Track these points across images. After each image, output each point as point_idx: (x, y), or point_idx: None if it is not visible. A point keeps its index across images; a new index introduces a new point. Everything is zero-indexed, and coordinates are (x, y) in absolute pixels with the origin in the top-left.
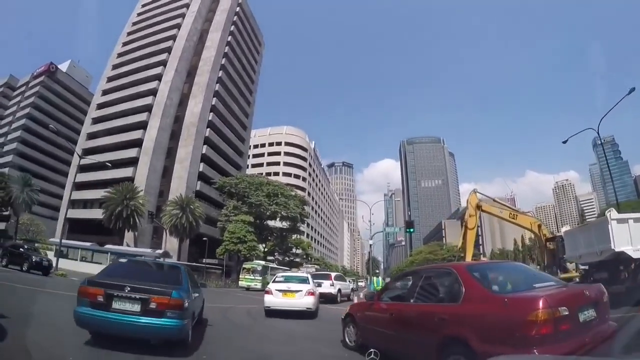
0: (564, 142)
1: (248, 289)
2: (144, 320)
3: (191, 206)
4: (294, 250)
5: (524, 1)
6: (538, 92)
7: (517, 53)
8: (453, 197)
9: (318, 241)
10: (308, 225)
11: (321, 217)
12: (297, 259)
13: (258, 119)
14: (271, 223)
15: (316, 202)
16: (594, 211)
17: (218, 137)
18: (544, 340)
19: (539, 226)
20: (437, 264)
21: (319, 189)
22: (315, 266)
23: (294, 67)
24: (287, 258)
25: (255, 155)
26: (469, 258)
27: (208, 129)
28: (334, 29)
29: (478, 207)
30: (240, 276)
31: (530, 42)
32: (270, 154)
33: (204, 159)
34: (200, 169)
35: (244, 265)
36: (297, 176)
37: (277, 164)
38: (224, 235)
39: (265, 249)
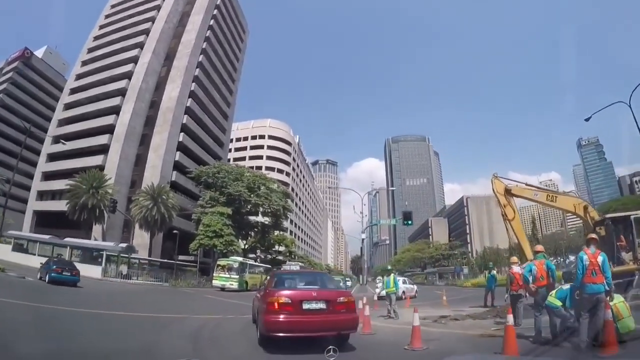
0: (587, 120)
1: (223, 289)
2: None
3: (163, 196)
4: (276, 247)
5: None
6: (520, 94)
7: (500, 55)
8: (438, 196)
9: (302, 239)
10: (291, 222)
11: (305, 215)
12: (280, 257)
13: (241, 113)
14: (252, 218)
15: (300, 199)
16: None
17: (197, 125)
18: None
19: (585, 208)
20: None
21: (303, 185)
22: (299, 264)
23: (278, 62)
24: (269, 256)
25: (237, 149)
26: (527, 251)
27: (186, 116)
28: (319, 25)
29: (508, 192)
30: (214, 274)
31: (514, 43)
32: (252, 148)
33: (181, 147)
34: (177, 158)
35: (218, 262)
36: (280, 171)
37: (260, 157)
38: (198, 229)
39: (246, 246)
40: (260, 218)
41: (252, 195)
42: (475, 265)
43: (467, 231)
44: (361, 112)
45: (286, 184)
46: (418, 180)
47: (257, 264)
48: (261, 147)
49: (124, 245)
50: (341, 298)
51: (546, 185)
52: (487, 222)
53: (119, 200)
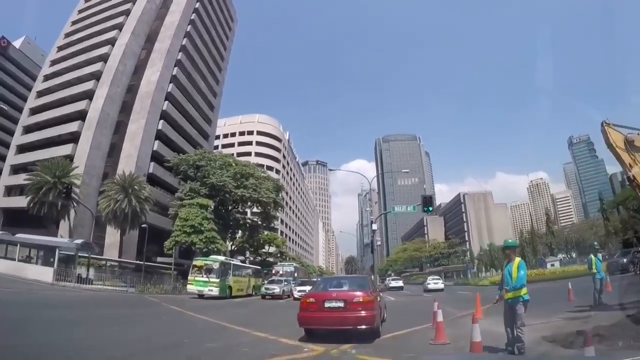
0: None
1: (201, 295)
2: None
3: (135, 187)
4: (267, 248)
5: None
6: (506, 96)
7: (489, 58)
8: None
9: (293, 239)
10: (282, 221)
11: (296, 214)
12: (270, 259)
13: (228, 110)
14: (239, 215)
15: (291, 198)
16: (570, 209)
17: (179, 113)
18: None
19: None
20: None
21: (294, 184)
22: (293, 264)
23: (266, 62)
24: (259, 257)
25: (225, 145)
26: None
27: (166, 102)
28: (309, 25)
29: (629, 144)
30: (190, 277)
31: (502, 43)
32: (241, 144)
33: (160, 137)
34: (155, 148)
35: (194, 262)
36: (270, 168)
37: (249, 154)
38: (175, 224)
39: (233, 247)
40: (248, 214)
41: (239, 187)
42: (481, 263)
43: (465, 229)
44: (350, 114)
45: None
46: (409, 180)
47: (243, 264)
48: (250, 143)
49: (79, 241)
50: (358, 298)
51: (536, 184)
52: (485, 219)
53: (89, 194)
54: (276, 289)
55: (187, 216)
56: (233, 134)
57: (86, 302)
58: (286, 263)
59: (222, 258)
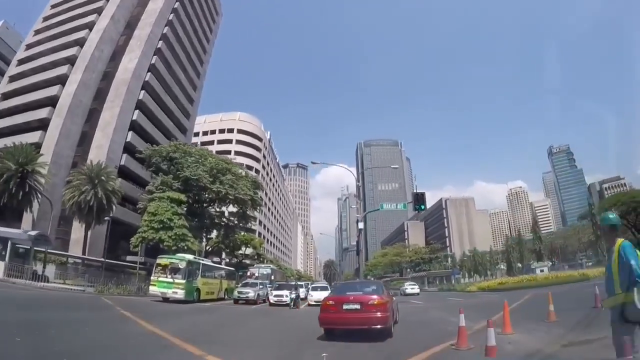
0: None
1: (166, 299)
2: None
3: (103, 177)
4: (243, 249)
5: (483, 13)
6: (486, 106)
7: (470, 66)
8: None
9: (271, 242)
10: (260, 223)
11: (274, 216)
12: (247, 261)
13: (210, 106)
14: (215, 213)
15: (270, 199)
16: (549, 217)
17: (156, 104)
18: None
19: None
20: None
21: (274, 185)
22: (270, 266)
23: (251, 59)
24: (235, 259)
25: (204, 143)
26: None
27: (143, 92)
28: (296, 25)
29: None
30: (152, 277)
31: (484, 53)
32: (220, 142)
33: (135, 127)
34: (128, 139)
35: (158, 261)
36: (250, 167)
37: (228, 152)
38: (142, 219)
39: (208, 248)
40: (226, 214)
41: (215, 183)
42: (464, 269)
43: (447, 234)
44: (332, 119)
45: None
46: (390, 185)
47: (215, 265)
48: (230, 141)
49: (33, 233)
50: (373, 300)
51: (516, 193)
52: (467, 225)
53: (56, 184)
54: (250, 292)
55: (155, 210)
56: (213, 132)
57: (20, 302)
58: (263, 265)
59: (189, 257)
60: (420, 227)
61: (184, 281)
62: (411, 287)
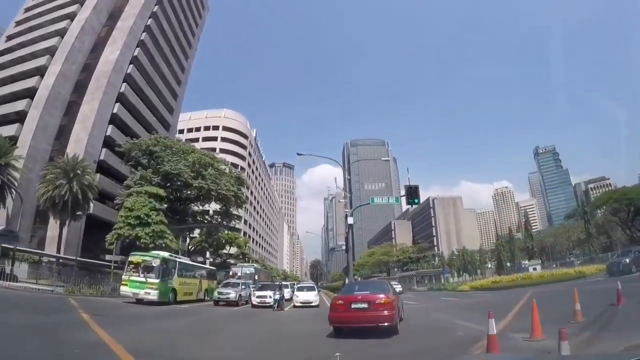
0: None
1: (140, 300)
2: None
3: (79, 171)
4: (228, 249)
5: (472, 19)
6: (472, 107)
7: (454, 65)
8: (396, 204)
9: (256, 241)
10: (245, 222)
11: (260, 215)
12: (231, 260)
13: (195, 103)
14: (197, 210)
15: (255, 198)
16: (535, 217)
17: (138, 98)
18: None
19: None
20: None
21: (259, 184)
22: (254, 265)
23: (239, 56)
24: (219, 258)
25: (189, 140)
26: None
27: (124, 84)
28: (279, 30)
29: None
30: (124, 276)
31: (469, 54)
32: (205, 139)
33: (116, 121)
34: (108, 133)
35: (130, 258)
36: (235, 165)
37: (213, 150)
38: (118, 215)
39: (191, 247)
40: (210, 212)
41: (197, 178)
42: (453, 268)
43: (434, 233)
44: (319, 119)
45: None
46: (376, 184)
47: (194, 263)
48: (214, 139)
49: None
50: (380, 299)
51: (502, 192)
52: (454, 224)
53: (32, 179)
54: (231, 293)
55: (132, 206)
56: (198, 129)
57: None
58: (246, 264)
59: (164, 254)
60: (407, 226)
61: (157, 281)
62: (395, 286)
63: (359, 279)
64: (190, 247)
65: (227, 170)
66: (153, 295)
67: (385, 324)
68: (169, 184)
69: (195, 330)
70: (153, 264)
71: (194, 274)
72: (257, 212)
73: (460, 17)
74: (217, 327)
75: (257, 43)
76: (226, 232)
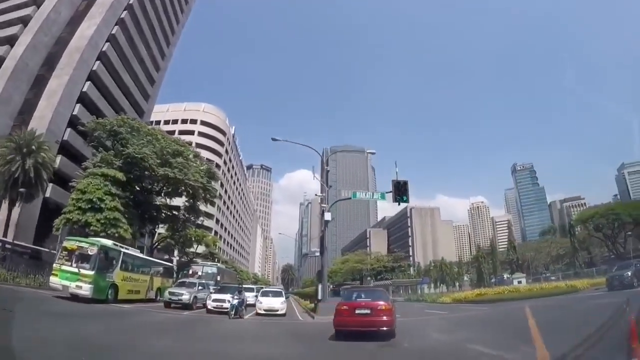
0: None
1: (74, 295)
2: None
3: (33, 147)
4: (195, 247)
5: (442, 33)
6: (452, 119)
7: (432, 81)
8: (372, 211)
9: (227, 242)
10: (217, 221)
11: (233, 215)
12: (199, 260)
13: (173, 96)
14: (162, 202)
15: (229, 197)
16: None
17: (111, 79)
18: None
19: None
20: None
21: (234, 183)
22: (217, 264)
23: (223, 55)
24: (185, 257)
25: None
26: None
27: (98, 62)
28: (264, 32)
29: None
30: (55, 265)
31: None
32: (182, 132)
33: (84, 100)
34: (75, 112)
35: (64, 243)
36: (210, 161)
37: (189, 144)
38: (70, 197)
39: (157, 244)
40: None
41: (163, 165)
42: (431, 278)
43: (410, 243)
44: (299, 125)
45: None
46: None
47: (145, 257)
48: (191, 132)
49: None
50: (381, 306)
51: (477, 207)
52: (431, 235)
53: None
54: (184, 294)
55: (85, 188)
56: (175, 121)
57: None
58: (209, 263)
59: (106, 242)
60: (383, 235)
61: (92, 273)
62: None
63: (331, 286)
64: (155, 243)
65: (197, 161)
66: (85, 290)
67: (385, 328)
68: (132, 170)
69: (93, 343)
70: (89, 252)
71: (144, 269)
72: (231, 212)
73: (443, 32)
74: (130, 343)
75: (243, 39)
76: (194, 229)
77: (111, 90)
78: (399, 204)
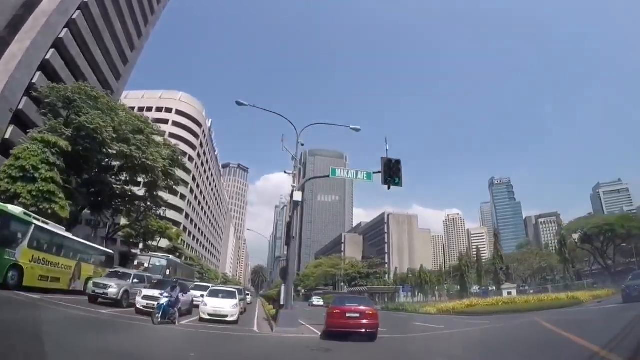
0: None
1: None
2: None
3: None
4: (157, 239)
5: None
6: (428, 136)
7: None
8: (348, 217)
9: (197, 239)
10: (187, 216)
11: (204, 212)
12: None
13: (150, 82)
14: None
15: (201, 192)
16: (485, 245)
17: (79, 49)
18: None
19: None
20: None
21: (208, 178)
22: (167, 256)
23: (208, 46)
24: (147, 250)
25: None
26: None
27: (66, 30)
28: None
29: None
30: None
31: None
32: (156, 121)
33: (47, 68)
34: (34, 80)
35: None
36: (183, 153)
37: (162, 133)
38: (3, 164)
39: (112, 233)
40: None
41: (119, 141)
42: (412, 285)
43: (387, 250)
44: (277, 127)
45: (187, 171)
46: (330, 197)
47: (71, 237)
48: (165, 121)
49: None
50: (368, 311)
51: (453, 219)
52: (408, 242)
53: None
54: (112, 287)
55: (20, 154)
56: (150, 109)
57: None
58: (159, 254)
59: (13, 208)
60: (358, 241)
61: None
62: (317, 300)
63: (303, 291)
64: (112, 233)
65: (162, 143)
66: None
67: (371, 330)
68: (83, 143)
69: None
70: None
71: (69, 252)
72: (202, 208)
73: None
74: None
75: (229, 36)
76: (157, 220)
77: (78, 62)
78: (388, 188)
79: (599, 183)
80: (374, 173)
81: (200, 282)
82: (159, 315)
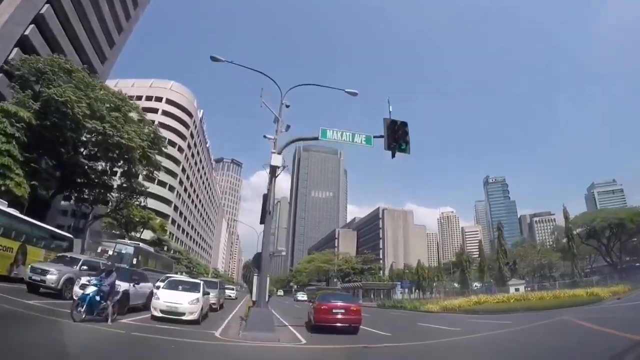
0: None
1: None
2: None
3: None
4: (141, 231)
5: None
6: (427, 131)
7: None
8: (342, 213)
9: (187, 232)
10: (176, 209)
11: (195, 205)
12: (128, 241)
13: (142, 71)
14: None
15: (191, 184)
16: (476, 243)
17: (61, 27)
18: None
19: None
20: None
21: (199, 170)
22: (138, 244)
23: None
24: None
25: None
26: None
27: (47, 5)
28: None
29: None
30: None
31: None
32: (145, 110)
33: (25, 45)
34: (11, 57)
35: None
36: (173, 144)
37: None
38: None
39: (90, 222)
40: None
41: (92, 118)
42: (410, 281)
43: (381, 246)
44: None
45: (177, 162)
46: (324, 193)
47: (14, 213)
48: (155, 111)
49: None
50: (353, 307)
51: (447, 217)
52: (403, 238)
53: None
54: (52, 274)
55: None
56: (140, 97)
57: None
58: (128, 241)
59: None
60: (352, 236)
61: None
62: (301, 296)
63: (295, 286)
64: (91, 221)
65: (141, 122)
66: None
67: (355, 325)
68: (52, 118)
69: None
70: None
71: (9, 231)
72: (192, 200)
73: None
74: None
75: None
76: (139, 209)
77: (59, 41)
78: (393, 156)
79: (593, 183)
80: (374, 137)
81: (188, 276)
82: (83, 310)
